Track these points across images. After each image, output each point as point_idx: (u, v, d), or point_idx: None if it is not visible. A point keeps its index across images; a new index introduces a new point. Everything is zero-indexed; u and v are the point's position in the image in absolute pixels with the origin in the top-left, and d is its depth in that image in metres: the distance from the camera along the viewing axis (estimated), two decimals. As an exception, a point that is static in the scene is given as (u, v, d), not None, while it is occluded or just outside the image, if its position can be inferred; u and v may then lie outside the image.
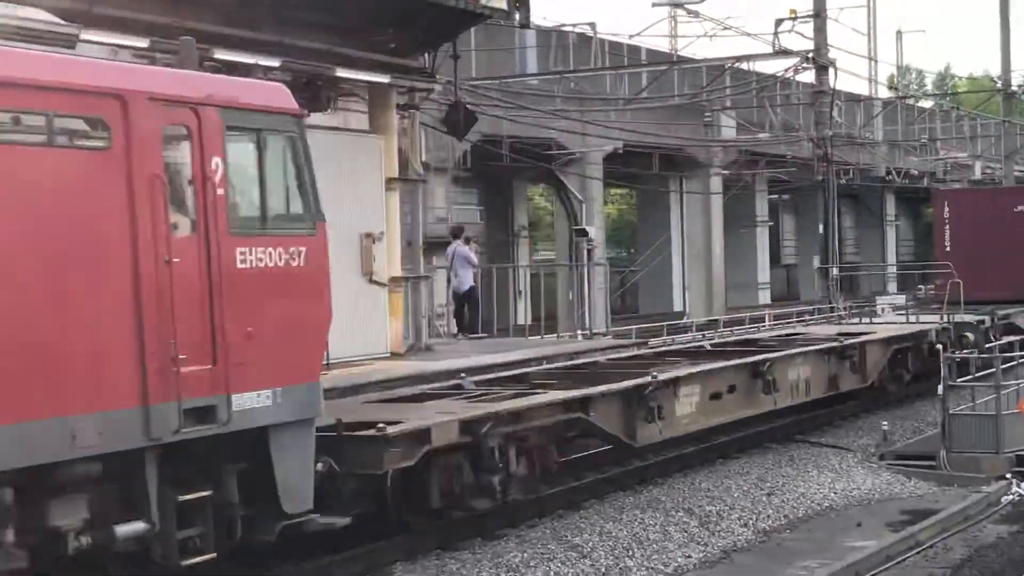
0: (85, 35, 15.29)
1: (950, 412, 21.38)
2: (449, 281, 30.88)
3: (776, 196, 61.66)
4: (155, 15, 16.37)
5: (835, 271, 40.32)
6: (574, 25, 42.67)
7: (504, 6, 22.70)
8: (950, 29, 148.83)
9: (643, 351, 25.39)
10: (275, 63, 18.56)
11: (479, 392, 17.50)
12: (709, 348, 24.94)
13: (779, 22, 36.91)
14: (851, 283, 60.38)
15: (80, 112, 10.49)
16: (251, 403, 11.64)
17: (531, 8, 24.32)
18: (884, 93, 69.55)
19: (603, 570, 15.19)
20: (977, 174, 63.67)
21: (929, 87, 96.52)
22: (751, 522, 17.72)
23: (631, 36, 44.66)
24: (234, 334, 11.47)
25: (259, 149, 11.98)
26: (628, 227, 64.63)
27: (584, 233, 41.48)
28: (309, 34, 19.25)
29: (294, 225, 12.53)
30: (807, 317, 32.82)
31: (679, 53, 50.36)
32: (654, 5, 46.12)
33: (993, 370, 21.77)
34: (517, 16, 24.20)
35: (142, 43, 16.09)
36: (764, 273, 57.06)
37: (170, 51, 16.50)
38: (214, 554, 11.53)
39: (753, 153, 50.28)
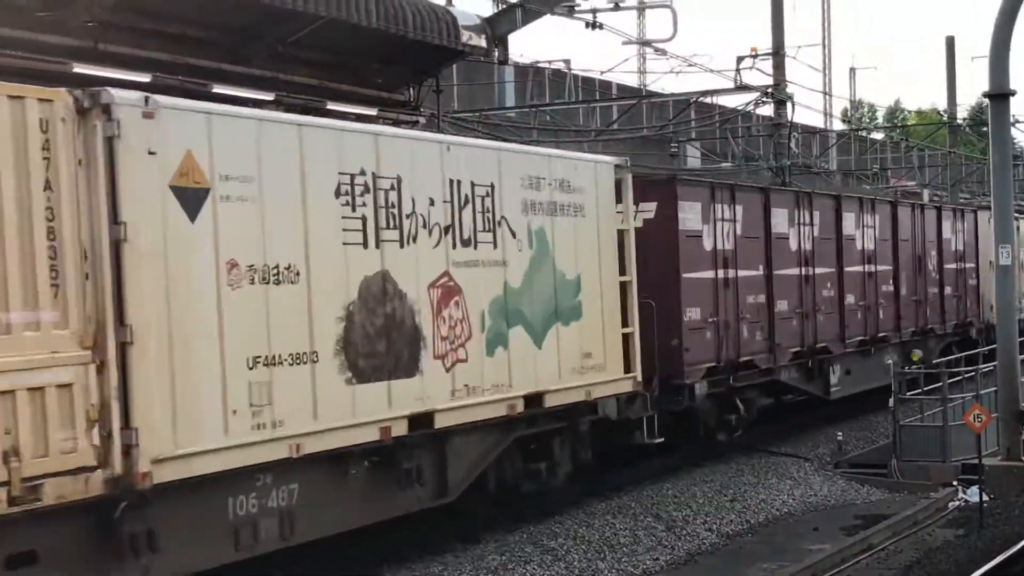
0: (92, 71, 15.29)
1: (900, 424, 21.45)
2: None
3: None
4: (157, 52, 16.35)
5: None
6: (550, 62, 42.79)
7: (484, 44, 22.72)
8: (900, 66, 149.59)
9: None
10: (269, 97, 18.54)
11: None
12: None
13: (740, 59, 36.94)
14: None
15: None
16: None
17: (509, 46, 24.38)
18: (838, 126, 69.80)
19: (576, 572, 15.18)
20: (925, 201, 63.78)
21: (880, 120, 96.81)
22: (715, 527, 17.73)
23: (603, 72, 44.78)
24: None
25: None
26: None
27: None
28: (302, 70, 19.24)
29: None
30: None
31: (647, 88, 50.49)
32: (624, 43, 46.21)
33: (940, 384, 21.86)
34: (496, 53, 24.23)
35: (144, 78, 16.07)
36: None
37: (171, 86, 16.52)
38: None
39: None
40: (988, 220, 32.48)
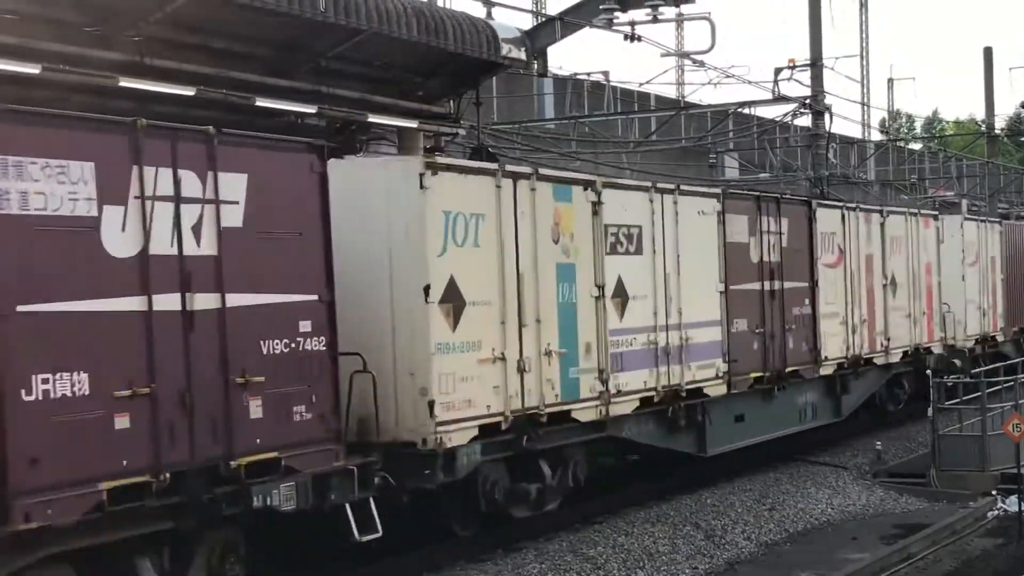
0: (137, 85, 15.41)
1: (939, 433, 21.30)
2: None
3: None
4: (201, 65, 16.43)
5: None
6: (588, 74, 42.77)
7: (524, 57, 22.73)
8: (938, 77, 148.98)
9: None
10: (311, 110, 18.61)
11: None
12: None
13: (778, 71, 36.83)
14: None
15: None
16: None
17: (548, 58, 24.38)
18: (876, 136, 69.49)
19: (616, 580, 15.14)
20: (964, 212, 63.35)
21: (918, 130, 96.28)
22: (754, 535, 17.64)
23: (641, 84, 44.71)
24: None
25: None
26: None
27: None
28: (343, 83, 19.29)
29: None
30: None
31: (686, 99, 50.41)
32: (663, 55, 46.15)
33: (979, 394, 21.70)
34: (535, 66, 24.24)
35: (189, 91, 16.16)
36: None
37: (214, 99, 16.62)
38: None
39: (754, 191, 50.15)
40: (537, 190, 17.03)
